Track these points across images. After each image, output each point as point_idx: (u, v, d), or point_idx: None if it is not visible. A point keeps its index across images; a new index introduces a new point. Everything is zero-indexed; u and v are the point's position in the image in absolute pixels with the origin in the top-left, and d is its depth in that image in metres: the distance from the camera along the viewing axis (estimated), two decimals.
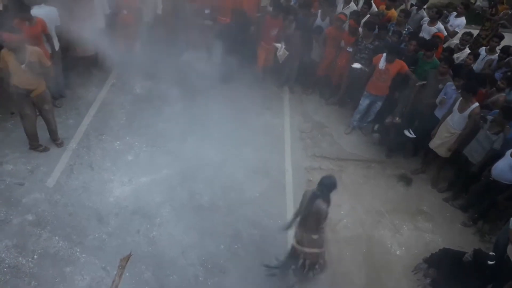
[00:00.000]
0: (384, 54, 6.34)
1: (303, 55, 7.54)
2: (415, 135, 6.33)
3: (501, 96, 5.82)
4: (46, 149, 5.92)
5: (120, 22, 7.09)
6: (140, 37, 7.46)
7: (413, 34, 6.92)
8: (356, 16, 7.01)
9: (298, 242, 4.30)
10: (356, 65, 6.79)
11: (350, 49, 6.99)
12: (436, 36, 6.86)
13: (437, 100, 6.04)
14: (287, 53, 7.22)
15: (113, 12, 7.02)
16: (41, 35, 5.80)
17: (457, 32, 7.86)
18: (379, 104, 6.82)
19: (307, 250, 4.25)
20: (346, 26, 7.08)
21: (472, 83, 5.52)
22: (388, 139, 6.70)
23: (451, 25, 7.88)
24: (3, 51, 5.16)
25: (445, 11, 8.49)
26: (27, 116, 5.60)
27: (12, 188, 5.38)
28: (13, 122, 6.28)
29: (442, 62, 6.03)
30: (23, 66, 5.14)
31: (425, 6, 8.26)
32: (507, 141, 5.26)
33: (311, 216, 4.13)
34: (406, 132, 6.35)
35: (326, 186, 4.07)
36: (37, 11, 5.79)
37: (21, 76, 5.20)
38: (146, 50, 7.88)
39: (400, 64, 6.33)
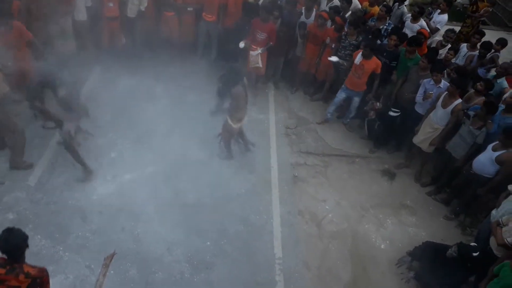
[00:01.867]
0: (360, 52, 6.42)
1: (288, 51, 7.56)
2: (398, 127, 6.42)
3: (480, 100, 5.77)
4: (30, 166, 5.52)
5: (105, 15, 6.97)
6: (124, 32, 7.38)
7: (394, 28, 6.99)
8: (336, 11, 7.06)
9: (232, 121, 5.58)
10: (333, 58, 6.85)
11: (333, 46, 7.03)
12: (420, 33, 6.93)
13: (418, 98, 6.09)
14: (260, 65, 7.12)
15: (95, 4, 6.88)
16: (19, 41, 5.50)
17: (439, 29, 7.98)
18: (356, 100, 6.89)
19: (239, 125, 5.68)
20: (329, 23, 7.11)
21: (463, 79, 5.61)
22: (375, 131, 6.76)
23: (433, 22, 7.99)
24: None
25: (429, 8, 8.61)
26: (16, 127, 5.17)
27: None
28: None
29: (423, 57, 6.10)
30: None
31: (406, 3, 8.36)
32: (490, 136, 5.37)
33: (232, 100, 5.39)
34: (391, 113, 6.43)
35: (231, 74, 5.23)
36: None
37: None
38: (131, 46, 7.82)
39: (376, 63, 6.39)
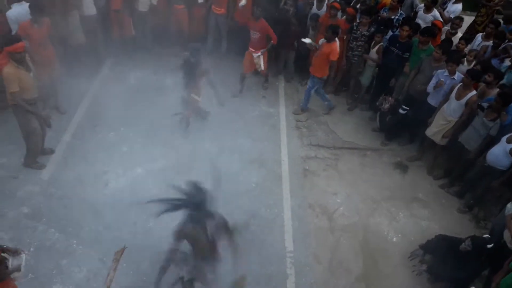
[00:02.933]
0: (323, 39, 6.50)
1: (299, 44, 7.49)
2: (410, 121, 6.35)
3: (494, 91, 5.58)
4: (42, 167, 5.59)
5: (112, 8, 6.99)
6: (135, 26, 7.39)
7: (406, 19, 6.87)
8: (347, 2, 6.97)
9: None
10: (306, 40, 6.74)
11: (344, 37, 6.95)
12: (434, 24, 6.79)
13: (430, 87, 5.98)
14: (262, 67, 7.05)
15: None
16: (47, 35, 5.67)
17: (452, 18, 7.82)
18: (310, 84, 6.90)
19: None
20: (339, 14, 7.02)
21: (478, 70, 5.50)
22: (386, 124, 6.69)
23: (447, 11, 7.84)
24: (9, 70, 4.66)
25: None
26: (35, 131, 5.22)
27: (6, 181, 5.34)
28: (5, 115, 6.20)
29: (437, 47, 5.96)
30: (31, 74, 4.86)
31: None
32: (504, 128, 5.26)
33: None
34: (400, 111, 6.35)
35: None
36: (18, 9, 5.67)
37: (31, 87, 4.90)
38: (142, 40, 7.84)
39: (330, 48, 6.36)
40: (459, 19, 6.94)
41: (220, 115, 6.75)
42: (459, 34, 7.15)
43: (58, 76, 6.14)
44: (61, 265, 4.59)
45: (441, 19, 7.47)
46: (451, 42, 6.56)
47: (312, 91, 6.96)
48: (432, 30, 6.41)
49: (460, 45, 6.37)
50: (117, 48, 7.71)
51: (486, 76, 5.62)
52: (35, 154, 5.48)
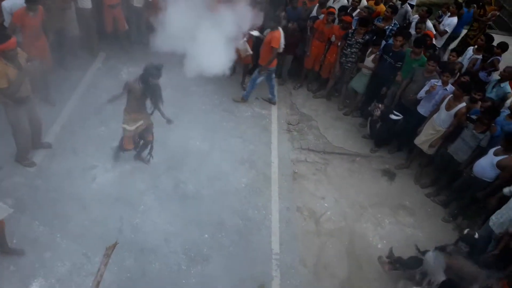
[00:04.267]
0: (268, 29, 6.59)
1: (298, 48, 7.53)
2: (400, 129, 6.42)
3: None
4: (32, 164, 5.44)
5: (107, 3, 6.96)
6: (127, 19, 7.34)
7: (400, 29, 6.96)
8: (345, 10, 7.04)
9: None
10: (254, 33, 6.77)
11: (339, 43, 7.01)
12: (425, 34, 6.90)
13: (422, 93, 6.01)
14: (250, 52, 6.99)
15: None
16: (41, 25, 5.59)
17: (447, 32, 7.96)
18: (255, 72, 6.98)
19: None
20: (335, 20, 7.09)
21: (469, 83, 5.60)
22: (376, 132, 6.75)
23: (443, 25, 7.98)
24: None
25: (439, 11, 8.58)
26: (24, 130, 5.11)
27: None
28: None
29: (431, 61, 6.04)
30: (20, 73, 4.67)
31: (413, 2, 8.32)
32: (493, 139, 5.36)
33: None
34: (393, 116, 6.42)
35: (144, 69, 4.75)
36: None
37: (21, 84, 4.74)
38: (136, 35, 7.79)
39: (271, 35, 6.49)
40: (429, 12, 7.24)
41: (212, 114, 6.75)
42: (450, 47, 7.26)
43: (50, 68, 6.08)
44: (44, 258, 4.53)
45: (434, 31, 7.59)
46: (435, 47, 6.70)
47: (258, 81, 7.01)
48: (425, 41, 6.51)
49: (451, 57, 6.49)
50: (110, 42, 7.67)
51: (474, 95, 5.72)
52: (24, 152, 5.38)
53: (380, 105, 6.53)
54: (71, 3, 6.59)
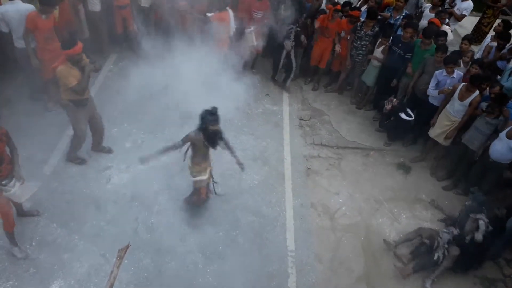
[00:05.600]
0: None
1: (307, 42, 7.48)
2: (414, 118, 6.32)
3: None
4: (83, 162, 5.64)
5: (116, 4, 6.99)
6: (136, 21, 7.37)
7: (409, 21, 6.82)
8: (349, 5, 6.96)
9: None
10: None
11: (348, 37, 6.94)
12: (431, 23, 6.75)
13: (432, 91, 5.96)
14: (254, 43, 6.98)
15: None
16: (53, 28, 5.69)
17: (465, 15, 7.77)
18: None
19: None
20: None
21: (478, 76, 5.49)
22: (387, 126, 6.67)
23: (458, 9, 7.78)
24: (62, 68, 4.71)
25: None
26: (82, 132, 5.32)
27: None
28: (9, 109, 6.21)
29: (439, 52, 5.95)
30: (84, 76, 4.90)
31: None
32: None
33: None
34: (402, 115, 6.32)
35: (199, 120, 4.47)
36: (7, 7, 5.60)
37: (85, 86, 4.97)
38: (144, 36, 7.80)
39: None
40: (443, 12, 6.94)
41: (223, 111, 6.71)
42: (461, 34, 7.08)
43: None
44: (62, 260, 4.59)
45: (447, 19, 7.42)
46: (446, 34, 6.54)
47: None
48: (434, 30, 6.38)
49: (463, 45, 6.32)
50: (121, 43, 7.71)
51: (483, 85, 5.60)
52: (75, 151, 5.57)
53: (393, 99, 6.44)
54: (80, 6, 6.64)
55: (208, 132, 4.47)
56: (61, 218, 4.95)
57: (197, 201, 5.05)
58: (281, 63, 7.31)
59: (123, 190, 5.38)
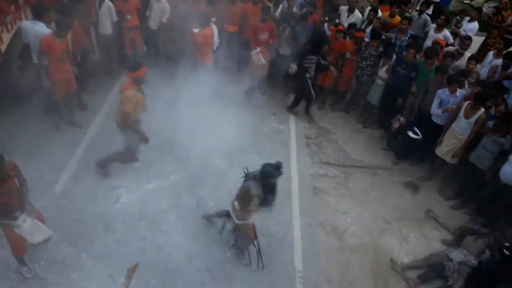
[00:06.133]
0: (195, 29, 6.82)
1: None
2: (420, 143, 6.33)
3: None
4: (107, 174, 5.83)
5: (125, 26, 7.18)
6: (145, 42, 7.54)
7: (413, 40, 6.90)
8: (355, 27, 7.07)
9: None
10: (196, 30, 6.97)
11: (354, 58, 7.04)
12: (436, 43, 6.82)
13: (436, 110, 6.01)
14: (263, 61, 7.24)
15: (119, 19, 7.10)
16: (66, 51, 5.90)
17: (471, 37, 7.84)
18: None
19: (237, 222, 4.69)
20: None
21: (482, 94, 5.52)
22: (396, 145, 6.68)
23: (464, 30, 7.88)
24: (131, 92, 4.98)
25: (457, 17, 8.50)
26: (137, 148, 5.59)
27: None
28: (21, 128, 6.34)
29: (439, 74, 6.03)
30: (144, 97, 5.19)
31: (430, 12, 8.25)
32: None
33: (241, 193, 4.57)
34: (410, 134, 6.35)
35: (262, 173, 4.35)
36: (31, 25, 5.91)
37: (142, 108, 5.26)
38: (153, 57, 7.99)
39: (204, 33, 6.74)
40: (469, 39, 6.95)
41: (231, 131, 6.78)
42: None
43: (74, 91, 6.29)
44: (71, 279, 4.60)
45: (451, 40, 7.51)
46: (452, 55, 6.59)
47: None
48: (436, 50, 6.46)
49: (470, 65, 6.36)
50: (130, 63, 7.86)
51: (488, 103, 5.60)
52: (112, 162, 5.80)
53: (401, 118, 6.47)
54: (91, 29, 6.82)
55: (268, 185, 4.43)
56: (70, 237, 4.98)
57: (248, 242, 4.85)
58: (310, 93, 7.35)
59: (131, 209, 5.41)
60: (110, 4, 6.87)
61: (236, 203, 4.64)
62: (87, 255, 4.84)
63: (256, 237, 4.79)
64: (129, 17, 7.11)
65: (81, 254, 4.84)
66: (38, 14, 5.98)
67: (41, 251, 4.79)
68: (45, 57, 5.73)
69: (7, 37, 5.99)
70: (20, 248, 4.30)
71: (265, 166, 4.39)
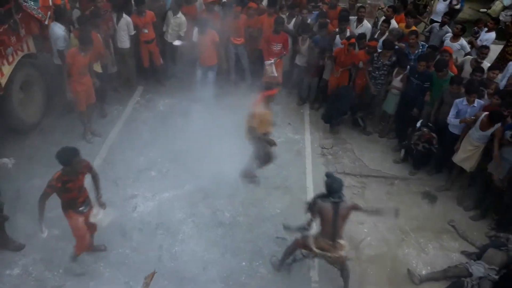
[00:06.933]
0: (196, 28, 7.05)
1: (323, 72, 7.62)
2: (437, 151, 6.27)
3: None
4: (256, 179, 6.19)
5: (142, 40, 7.35)
6: (164, 56, 7.69)
7: (424, 53, 6.84)
8: (364, 38, 7.09)
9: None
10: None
11: (369, 68, 7.03)
12: (443, 51, 6.75)
13: (453, 120, 5.94)
14: (275, 74, 7.32)
15: (136, 33, 7.27)
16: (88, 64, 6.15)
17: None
18: (210, 73, 7.47)
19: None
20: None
21: (497, 114, 5.41)
22: (412, 155, 6.60)
23: (480, 40, 7.80)
24: (261, 109, 5.34)
25: (475, 28, 8.43)
26: (271, 154, 5.89)
27: None
28: (41, 138, 6.52)
29: (454, 85, 5.96)
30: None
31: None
32: None
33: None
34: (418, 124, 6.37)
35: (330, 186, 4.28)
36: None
37: (270, 123, 5.68)
38: (171, 69, 8.15)
39: (212, 35, 7.02)
40: (486, 48, 6.87)
41: (245, 140, 6.83)
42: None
43: (94, 102, 6.45)
44: (88, 287, 4.66)
45: (468, 49, 7.44)
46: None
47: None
48: (445, 61, 6.39)
49: (492, 74, 6.25)
50: (147, 77, 8.04)
51: (505, 112, 5.49)
52: (254, 170, 6.11)
53: (426, 130, 6.36)
54: (110, 42, 7.01)
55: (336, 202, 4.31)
56: None
57: (293, 247, 4.79)
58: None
59: (148, 218, 5.47)
60: (128, 18, 7.05)
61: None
62: (104, 263, 4.91)
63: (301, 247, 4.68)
64: (146, 30, 7.28)
65: (99, 262, 4.91)
66: (59, 16, 6.41)
67: (59, 259, 4.88)
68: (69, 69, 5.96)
69: (7, 70, 5.93)
70: (84, 245, 4.59)
71: (328, 183, 4.31)
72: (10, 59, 5.99)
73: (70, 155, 4.09)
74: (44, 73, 6.93)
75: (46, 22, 6.43)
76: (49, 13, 6.47)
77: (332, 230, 4.24)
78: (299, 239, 4.66)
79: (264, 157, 5.84)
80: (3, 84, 5.86)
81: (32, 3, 6.29)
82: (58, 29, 6.35)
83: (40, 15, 6.34)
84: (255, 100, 5.39)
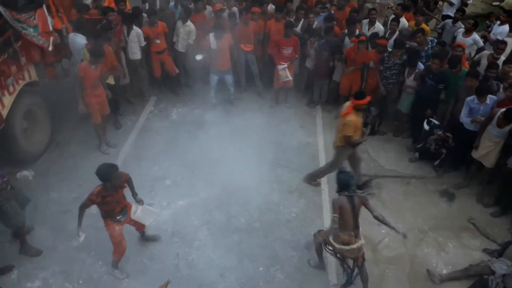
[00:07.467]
0: (211, 34, 7.05)
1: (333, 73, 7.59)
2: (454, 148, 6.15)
3: None
4: (318, 185, 6.29)
5: (154, 50, 7.44)
6: (174, 64, 7.77)
7: (437, 51, 6.75)
8: (376, 37, 7.04)
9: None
10: (199, 57, 7.33)
11: (380, 68, 6.97)
12: (457, 46, 6.64)
13: (465, 119, 5.86)
14: (290, 78, 7.37)
15: (147, 43, 7.36)
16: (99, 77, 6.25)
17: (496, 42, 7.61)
18: (228, 77, 7.50)
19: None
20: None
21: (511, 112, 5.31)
22: (428, 155, 6.50)
23: (493, 34, 7.66)
24: (352, 117, 5.33)
25: (486, 21, 8.29)
26: (342, 164, 5.86)
27: (58, 215, 5.60)
28: (57, 151, 6.65)
29: (468, 77, 5.87)
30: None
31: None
32: None
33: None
34: (425, 125, 6.35)
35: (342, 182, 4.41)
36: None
37: (360, 131, 5.58)
38: (183, 78, 8.23)
39: (228, 40, 7.14)
40: (503, 43, 6.73)
41: (259, 145, 6.84)
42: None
43: (108, 114, 6.56)
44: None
45: (481, 43, 7.31)
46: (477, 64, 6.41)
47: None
48: (458, 58, 6.29)
49: (508, 68, 6.10)
50: (160, 86, 8.14)
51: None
52: (321, 176, 6.27)
53: (440, 131, 6.29)
54: (121, 54, 7.13)
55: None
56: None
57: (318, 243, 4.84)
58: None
59: (164, 226, 5.51)
60: (139, 30, 7.15)
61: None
62: (122, 272, 4.95)
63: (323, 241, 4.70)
64: (158, 41, 7.37)
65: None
66: (79, 27, 6.67)
67: (79, 270, 4.96)
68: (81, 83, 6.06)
69: (8, 100, 5.72)
70: (121, 251, 4.77)
71: (342, 176, 4.46)
72: (11, 89, 5.78)
73: (110, 171, 4.25)
74: (48, 99, 6.82)
75: (50, 49, 6.30)
76: (51, 38, 6.35)
77: (353, 222, 4.39)
78: (316, 234, 4.82)
79: (335, 166, 5.76)
80: (4, 116, 5.65)
81: (32, 30, 5.95)
82: (80, 39, 6.52)
83: (41, 42, 6.10)
84: (345, 109, 5.41)
